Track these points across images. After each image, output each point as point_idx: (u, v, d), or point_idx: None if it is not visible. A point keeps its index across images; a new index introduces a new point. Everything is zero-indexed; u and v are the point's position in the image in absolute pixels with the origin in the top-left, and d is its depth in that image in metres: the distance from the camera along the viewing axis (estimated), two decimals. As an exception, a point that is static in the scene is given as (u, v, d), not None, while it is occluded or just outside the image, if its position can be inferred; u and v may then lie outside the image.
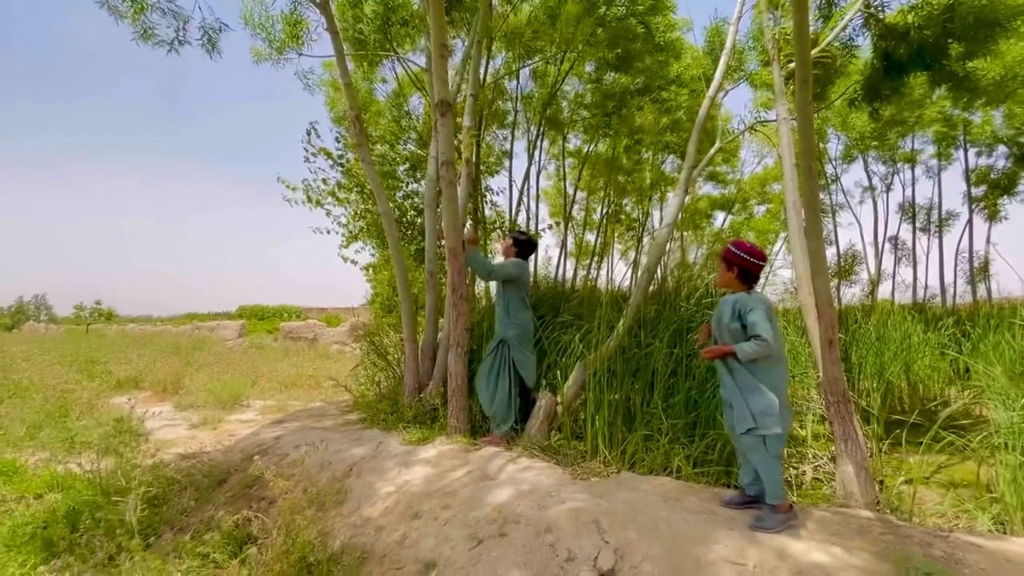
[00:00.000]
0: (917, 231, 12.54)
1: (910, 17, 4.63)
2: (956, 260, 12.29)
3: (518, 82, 8.11)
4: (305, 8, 5.25)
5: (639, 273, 4.82)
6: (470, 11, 6.02)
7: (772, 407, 2.40)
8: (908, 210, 12.58)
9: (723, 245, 2.69)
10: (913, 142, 11.53)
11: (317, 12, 4.56)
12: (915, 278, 12.66)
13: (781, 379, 2.49)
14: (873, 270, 12.43)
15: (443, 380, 4.22)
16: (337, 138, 7.05)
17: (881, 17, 4.52)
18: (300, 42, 5.25)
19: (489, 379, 3.94)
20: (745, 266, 2.55)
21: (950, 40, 4.76)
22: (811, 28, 4.37)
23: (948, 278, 12.23)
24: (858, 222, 13.82)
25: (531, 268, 4.79)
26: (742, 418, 2.45)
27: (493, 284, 4.78)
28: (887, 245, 12.75)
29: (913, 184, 12.42)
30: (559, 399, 3.89)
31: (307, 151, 6.74)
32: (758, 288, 2.69)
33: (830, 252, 12.30)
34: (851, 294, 12.54)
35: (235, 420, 6.56)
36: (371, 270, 8.42)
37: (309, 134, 6.68)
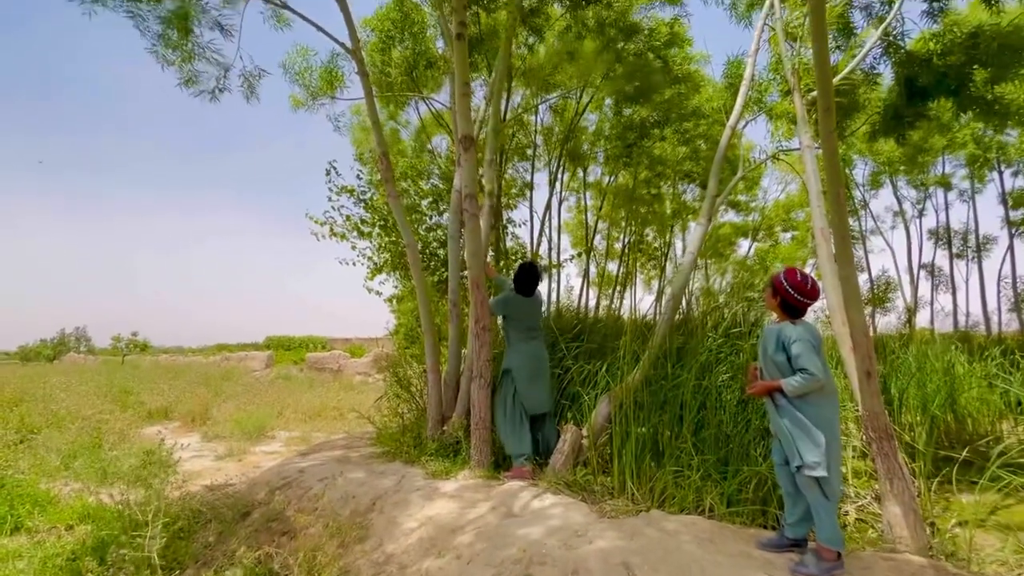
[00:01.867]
0: (953, 257, 12.11)
1: (932, 44, 4.60)
2: (999, 286, 11.78)
3: (538, 116, 8.31)
4: (340, 58, 5.58)
5: (664, 302, 4.76)
6: (491, 52, 6.26)
7: (820, 446, 2.29)
8: (942, 235, 12.19)
9: (777, 271, 2.63)
10: (944, 165, 11.26)
11: (349, 59, 4.81)
12: (955, 305, 12.16)
13: (831, 414, 2.39)
14: (909, 297, 11.99)
15: (466, 412, 4.18)
16: (358, 175, 7.30)
17: (902, 45, 4.51)
18: (334, 89, 5.55)
19: (502, 410, 3.92)
20: (788, 300, 2.50)
21: (975, 66, 4.70)
22: (831, 58, 4.38)
23: (991, 305, 11.71)
24: (890, 248, 13.52)
25: (544, 297, 4.73)
26: (792, 455, 2.35)
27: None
28: (922, 272, 12.33)
29: (947, 208, 12.08)
30: (585, 432, 3.81)
31: (331, 190, 7.00)
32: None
33: (862, 279, 11.95)
34: (886, 322, 12.09)
35: (260, 452, 6.60)
36: (394, 301, 8.54)
37: (328, 173, 6.96)
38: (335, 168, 7.02)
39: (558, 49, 6.92)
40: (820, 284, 2.77)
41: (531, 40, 6.70)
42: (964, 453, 3.64)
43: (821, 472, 2.25)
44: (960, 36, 4.66)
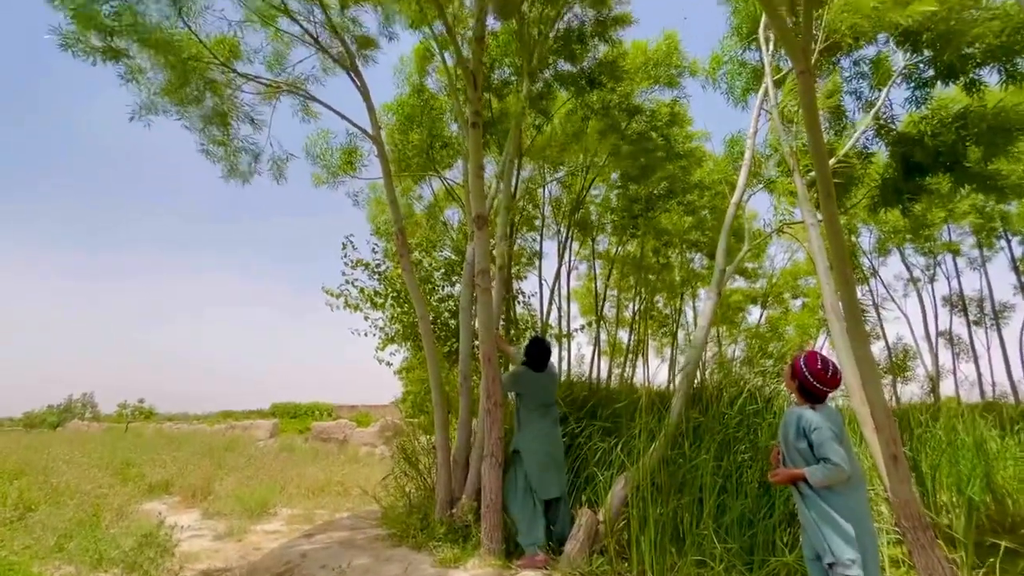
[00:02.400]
0: (971, 324, 11.92)
1: (922, 126, 4.83)
2: (1021, 354, 11.47)
3: (545, 188, 8.66)
4: (357, 138, 5.98)
5: (677, 377, 4.69)
6: (501, 134, 6.67)
7: (851, 541, 2.16)
8: (956, 302, 12.07)
9: (799, 353, 2.61)
10: (950, 233, 11.36)
11: (369, 142, 5.15)
12: (979, 374, 11.80)
13: (859, 504, 2.28)
14: (930, 366, 11.68)
15: (476, 493, 4.03)
16: (374, 249, 7.53)
17: (893, 128, 4.74)
18: (354, 168, 5.90)
19: (512, 492, 3.77)
20: (806, 385, 2.46)
21: (967, 144, 4.89)
22: (825, 138, 4.60)
23: (1016, 373, 11.34)
24: (904, 316, 13.20)
25: (557, 369, 4.68)
26: (823, 550, 2.22)
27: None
28: (940, 339, 12.09)
29: (958, 275, 12.04)
30: (600, 516, 3.63)
31: (347, 264, 7.21)
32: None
33: (878, 347, 11.73)
34: (909, 392, 11.70)
35: (261, 531, 6.32)
36: (404, 371, 8.50)
37: (344, 247, 7.20)
38: (351, 243, 7.28)
39: (565, 130, 7.35)
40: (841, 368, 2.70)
41: (538, 122, 7.14)
42: (1006, 542, 3.40)
43: (857, 571, 2.11)
44: (948, 118, 4.90)
